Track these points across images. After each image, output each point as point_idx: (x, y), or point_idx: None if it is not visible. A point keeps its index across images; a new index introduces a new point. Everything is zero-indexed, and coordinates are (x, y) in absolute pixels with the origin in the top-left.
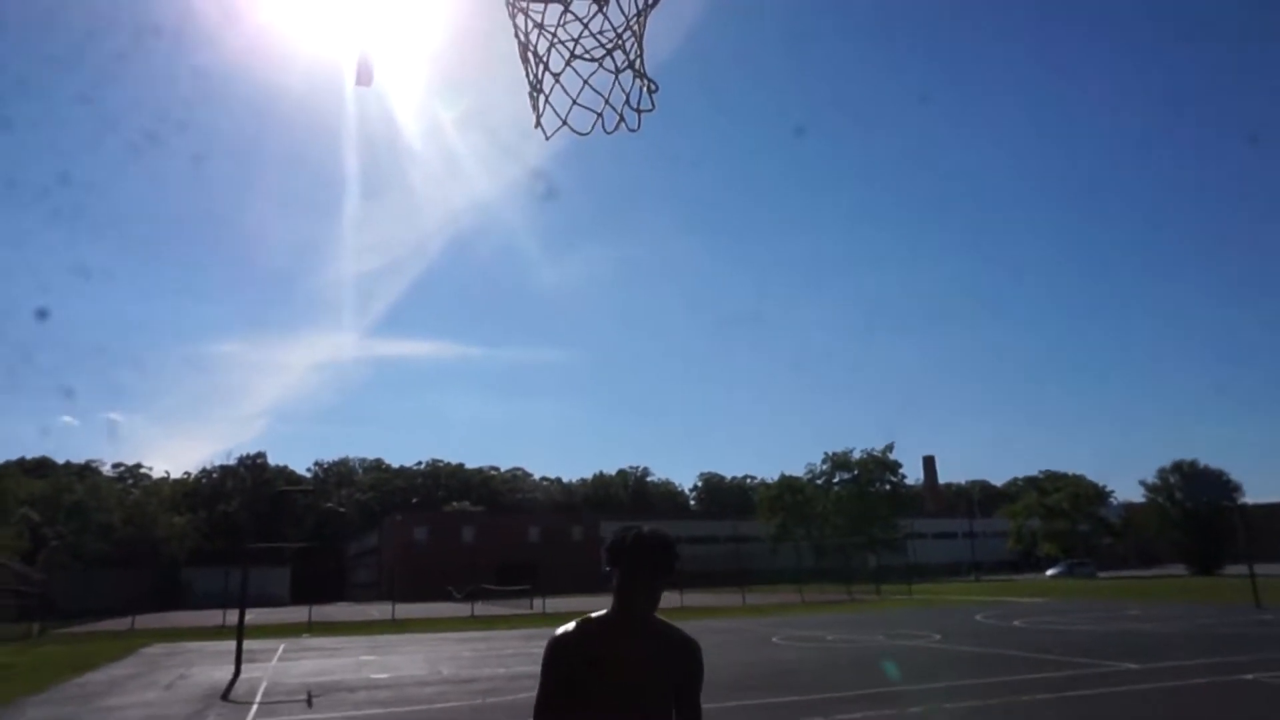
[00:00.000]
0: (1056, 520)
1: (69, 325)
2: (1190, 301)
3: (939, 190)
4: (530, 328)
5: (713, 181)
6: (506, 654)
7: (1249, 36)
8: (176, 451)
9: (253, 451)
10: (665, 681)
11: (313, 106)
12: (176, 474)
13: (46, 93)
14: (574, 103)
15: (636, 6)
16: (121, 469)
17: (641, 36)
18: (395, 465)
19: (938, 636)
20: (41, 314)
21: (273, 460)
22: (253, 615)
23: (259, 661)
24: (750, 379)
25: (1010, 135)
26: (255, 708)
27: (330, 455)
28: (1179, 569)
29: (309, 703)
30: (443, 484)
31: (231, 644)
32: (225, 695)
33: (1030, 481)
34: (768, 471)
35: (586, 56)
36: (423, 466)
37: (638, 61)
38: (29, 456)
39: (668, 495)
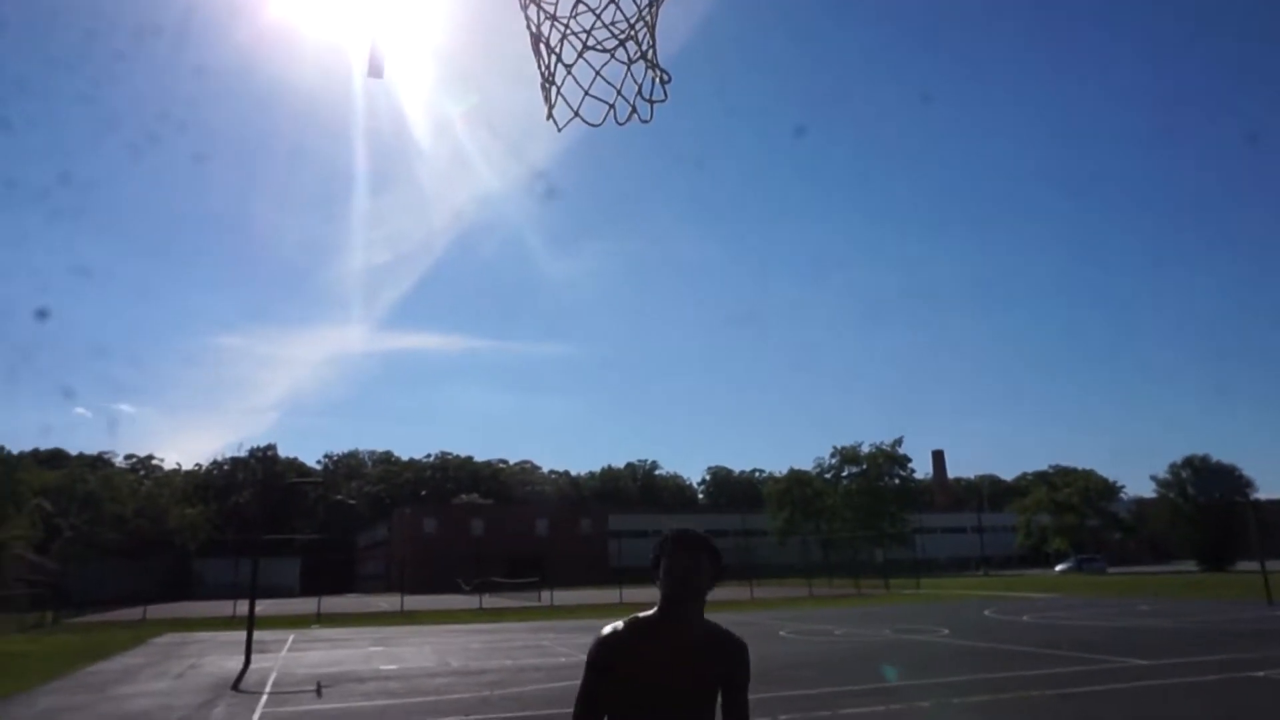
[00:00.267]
0: (1066, 515)
1: (79, 321)
2: (1201, 296)
3: (947, 185)
4: (539, 321)
5: (720, 177)
6: (515, 646)
7: (1249, 36)
8: (188, 444)
9: (263, 444)
10: (711, 682)
11: (321, 101)
12: (188, 466)
13: (47, 93)
14: (586, 94)
15: None
16: (134, 460)
17: (654, 26)
18: (404, 458)
19: (946, 631)
20: (41, 314)
21: (283, 453)
22: (263, 606)
23: (269, 652)
24: (758, 372)
25: (1021, 132)
26: (265, 698)
27: (340, 448)
28: (1190, 565)
29: (318, 693)
30: (451, 477)
31: (242, 634)
32: (235, 685)
33: (1040, 476)
34: (776, 465)
35: (599, 48)
36: (432, 459)
37: (650, 52)
38: (42, 448)
39: (676, 489)
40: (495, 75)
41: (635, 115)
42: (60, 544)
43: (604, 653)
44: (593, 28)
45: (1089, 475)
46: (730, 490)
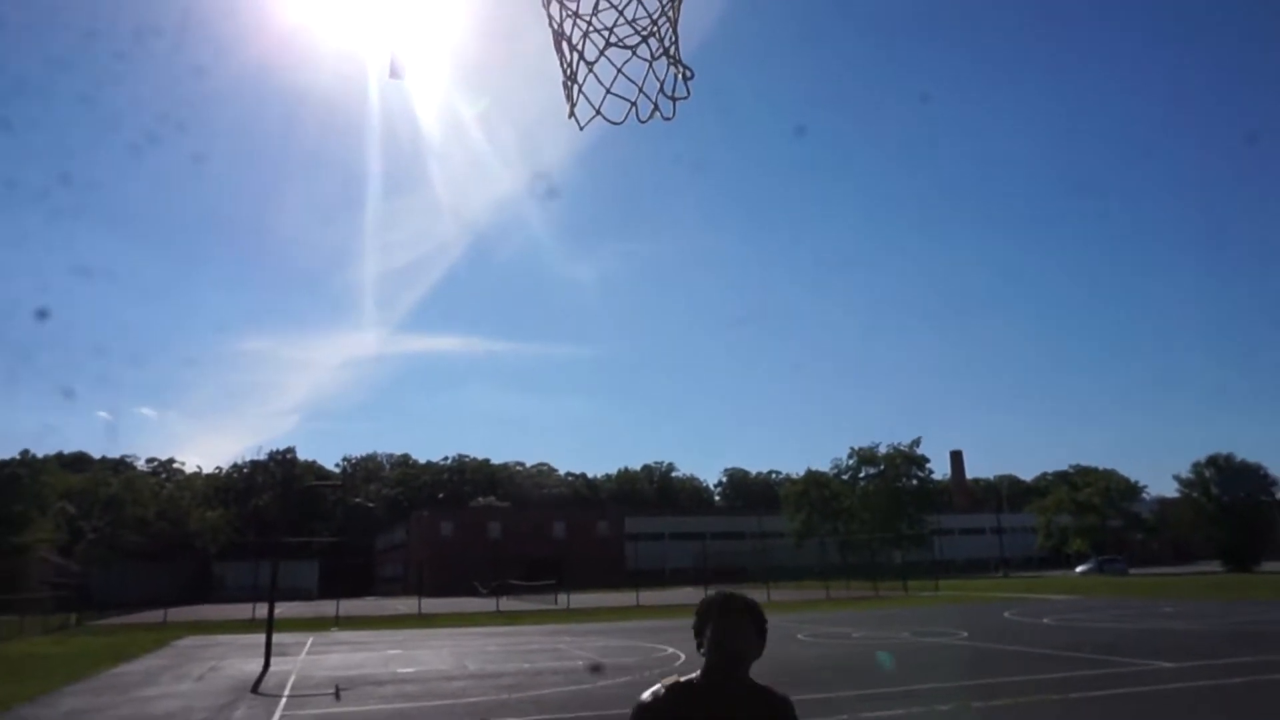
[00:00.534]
0: (1087, 516)
1: (102, 327)
2: (1223, 292)
3: (961, 184)
4: (555, 323)
5: (735, 178)
6: (531, 649)
7: (1249, 36)
8: (209, 447)
9: (283, 447)
10: None
11: (336, 105)
12: (209, 469)
13: (49, 93)
14: (608, 91)
15: None
16: (155, 464)
17: (676, 22)
18: (422, 461)
19: (965, 634)
20: (41, 314)
21: (302, 456)
22: (282, 609)
23: (288, 655)
24: (776, 373)
25: (1036, 130)
26: (284, 700)
27: (358, 451)
28: (1214, 565)
29: (337, 696)
30: (469, 479)
31: (261, 637)
32: (255, 688)
33: (1060, 476)
34: (793, 467)
35: (621, 44)
36: (449, 462)
37: (673, 48)
38: (66, 451)
39: (693, 491)
40: (511, 76)
41: (658, 113)
42: (83, 546)
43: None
44: (615, 24)
45: (1110, 475)
46: (747, 492)
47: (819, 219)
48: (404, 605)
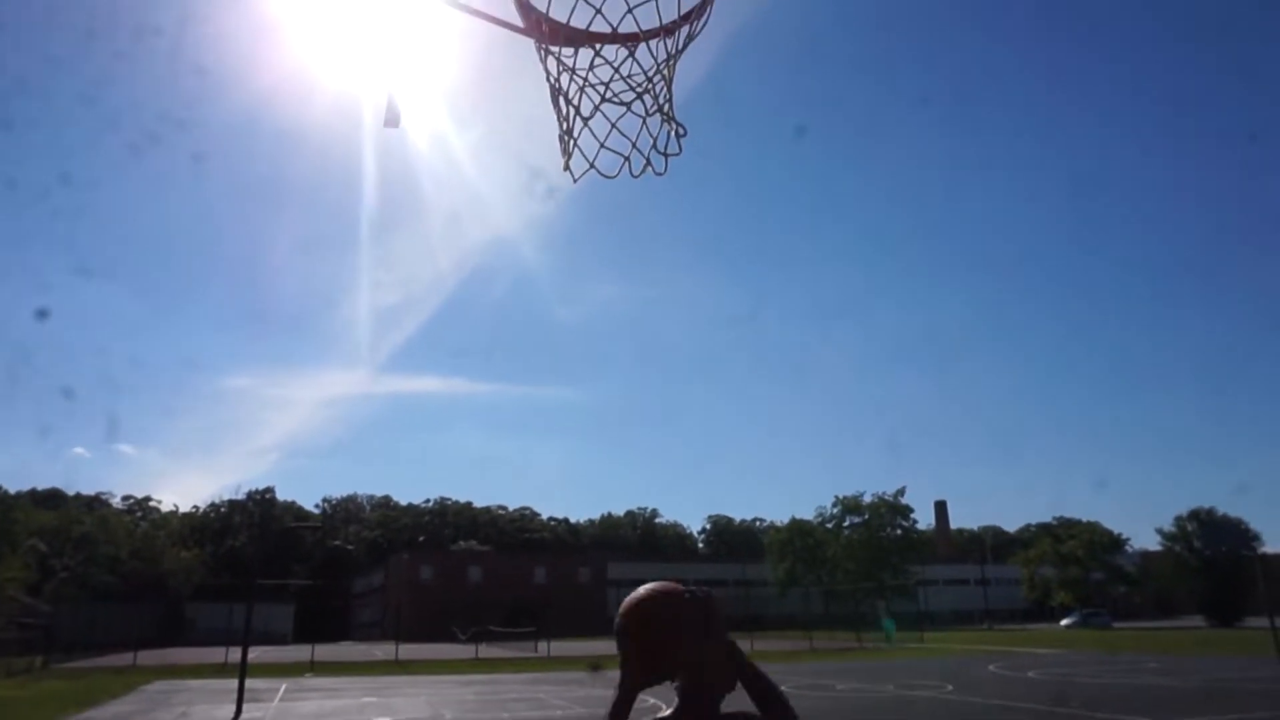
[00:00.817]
0: (1070, 568)
1: (79, 362)
2: (1209, 346)
3: (946, 221)
4: (540, 365)
5: (721, 220)
6: (509, 698)
7: (1249, 36)
8: (187, 484)
9: (262, 486)
10: None
11: (328, 144)
12: (185, 507)
13: (46, 93)
14: (602, 145)
15: (667, 50)
16: (131, 501)
17: (671, 80)
18: (403, 502)
19: (950, 688)
20: (42, 315)
21: (281, 496)
22: (255, 654)
23: (261, 701)
24: (760, 421)
25: (1032, 178)
26: None
27: (338, 491)
28: (1197, 620)
29: None
30: (450, 522)
31: (233, 682)
32: None
33: (1044, 528)
34: (777, 514)
35: (616, 100)
36: (430, 504)
37: (666, 105)
38: (40, 487)
39: (676, 537)
40: (503, 117)
41: (649, 168)
42: (53, 585)
43: None
44: (610, 80)
45: (1093, 527)
46: (731, 539)
47: (804, 264)
48: (381, 651)
